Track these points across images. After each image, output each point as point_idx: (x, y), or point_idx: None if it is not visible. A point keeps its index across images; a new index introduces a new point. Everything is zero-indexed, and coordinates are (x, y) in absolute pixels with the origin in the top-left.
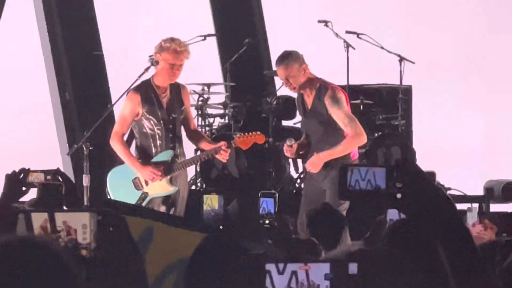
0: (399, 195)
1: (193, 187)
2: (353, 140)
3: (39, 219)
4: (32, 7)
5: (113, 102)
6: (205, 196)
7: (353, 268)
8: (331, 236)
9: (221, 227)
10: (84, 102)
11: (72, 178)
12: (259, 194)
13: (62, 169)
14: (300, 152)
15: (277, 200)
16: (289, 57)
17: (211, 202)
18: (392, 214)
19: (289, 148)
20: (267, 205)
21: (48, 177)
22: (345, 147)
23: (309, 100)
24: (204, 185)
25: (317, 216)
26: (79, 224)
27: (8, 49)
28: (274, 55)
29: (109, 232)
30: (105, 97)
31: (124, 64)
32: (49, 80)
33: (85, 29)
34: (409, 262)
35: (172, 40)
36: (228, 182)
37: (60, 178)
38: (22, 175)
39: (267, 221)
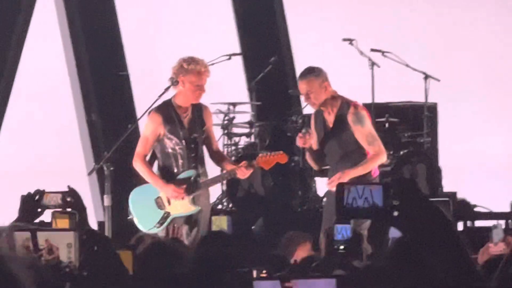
0: (395, 213)
1: (219, 206)
2: (375, 159)
3: (21, 238)
4: (58, 28)
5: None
6: (213, 217)
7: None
8: (347, 253)
9: None
10: (110, 123)
11: (98, 198)
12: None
13: (89, 190)
14: (309, 151)
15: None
16: (312, 72)
17: (220, 223)
18: (394, 232)
19: (303, 136)
20: (346, 231)
21: (68, 198)
22: (367, 165)
23: (330, 118)
24: (230, 204)
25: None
26: (63, 243)
27: (34, 71)
28: None
29: (93, 250)
30: (130, 117)
31: (150, 84)
32: (75, 101)
33: (111, 50)
34: (407, 279)
35: (193, 60)
36: (254, 201)
37: (72, 198)
38: (37, 196)
39: (341, 247)
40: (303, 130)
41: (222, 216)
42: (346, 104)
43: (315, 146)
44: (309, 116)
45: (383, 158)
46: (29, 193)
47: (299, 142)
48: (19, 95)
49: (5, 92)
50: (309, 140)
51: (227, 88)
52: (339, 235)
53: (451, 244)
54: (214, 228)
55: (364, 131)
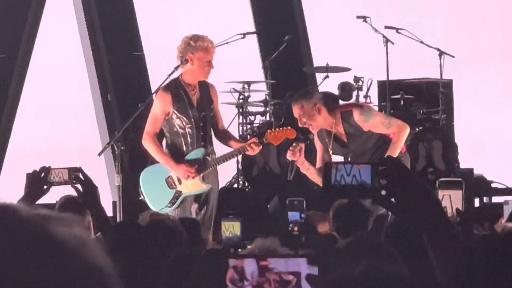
0: (383, 192)
1: (235, 185)
2: (400, 134)
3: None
4: (73, 10)
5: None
6: (224, 223)
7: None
8: (355, 230)
9: (240, 250)
10: (126, 103)
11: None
12: (287, 202)
13: (105, 170)
14: (304, 165)
15: (304, 206)
16: (303, 97)
17: (233, 229)
18: None
19: (293, 149)
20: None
21: (74, 175)
22: (397, 144)
23: (339, 131)
24: (246, 183)
25: (342, 210)
26: None
27: (50, 52)
28: (315, 52)
29: None
30: (146, 97)
31: (165, 64)
32: (90, 82)
33: (126, 30)
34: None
35: (199, 37)
36: (269, 179)
37: (81, 177)
38: (43, 174)
39: (295, 228)
40: (294, 144)
41: (235, 222)
42: (345, 113)
43: (319, 164)
44: (324, 93)
45: (407, 129)
46: (34, 171)
47: (288, 155)
48: (35, 76)
49: (20, 74)
50: (300, 155)
51: (242, 67)
52: (289, 215)
53: (439, 222)
54: (228, 234)
55: (377, 121)
